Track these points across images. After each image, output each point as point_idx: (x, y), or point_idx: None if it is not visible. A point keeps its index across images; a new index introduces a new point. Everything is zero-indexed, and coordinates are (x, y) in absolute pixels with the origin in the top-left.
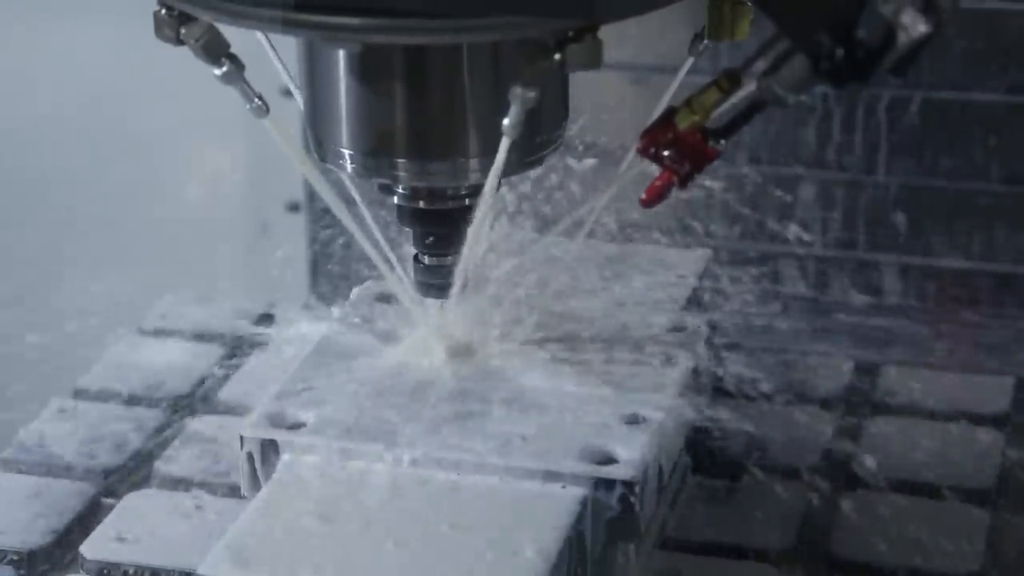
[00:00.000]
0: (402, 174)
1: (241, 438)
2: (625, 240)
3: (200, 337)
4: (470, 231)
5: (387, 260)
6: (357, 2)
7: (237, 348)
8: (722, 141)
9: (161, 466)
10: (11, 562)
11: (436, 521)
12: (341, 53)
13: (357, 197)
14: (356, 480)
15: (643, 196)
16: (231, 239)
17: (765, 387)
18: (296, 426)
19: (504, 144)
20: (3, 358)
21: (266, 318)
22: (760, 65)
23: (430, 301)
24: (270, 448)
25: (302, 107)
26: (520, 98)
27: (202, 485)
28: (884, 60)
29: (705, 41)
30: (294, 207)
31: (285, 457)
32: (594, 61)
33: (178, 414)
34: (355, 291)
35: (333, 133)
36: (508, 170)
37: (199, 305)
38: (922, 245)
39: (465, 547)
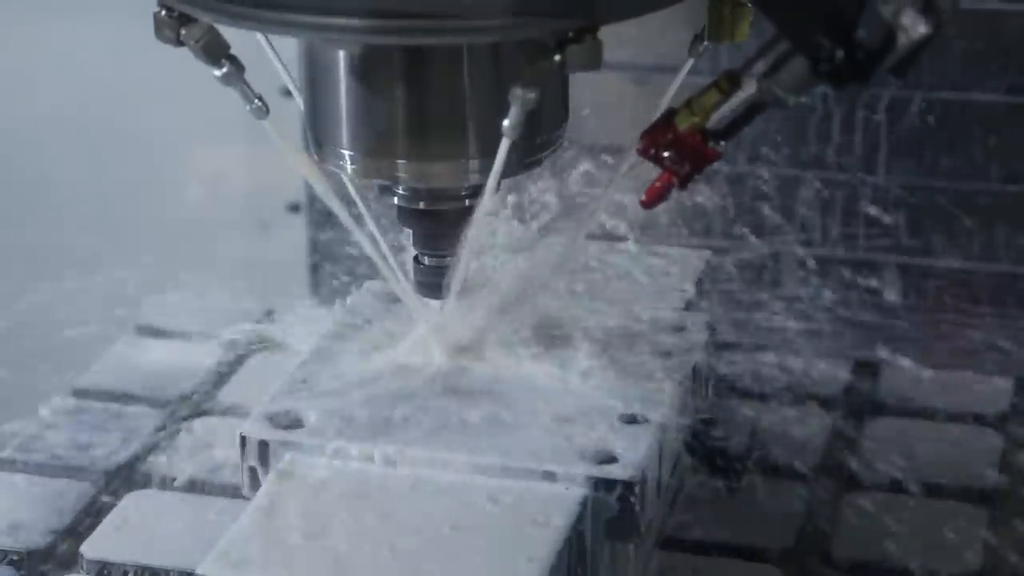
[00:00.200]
0: (402, 175)
1: (241, 438)
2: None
3: (200, 337)
4: (470, 232)
5: (387, 260)
6: (357, 3)
7: (237, 348)
8: (722, 142)
9: (161, 466)
10: (11, 562)
11: (436, 521)
12: (341, 54)
13: (357, 198)
14: (356, 480)
15: (643, 197)
16: (231, 239)
17: (765, 387)
18: (296, 426)
19: (504, 145)
20: (3, 358)
21: (266, 318)
22: (760, 66)
23: (430, 301)
24: (270, 448)
25: (302, 108)
26: (520, 99)
27: (202, 485)
28: (884, 61)
29: (705, 42)
30: (294, 207)
31: (285, 457)
32: (594, 62)
33: (178, 414)
34: (355, 291)
35: (333, 134)
36: (508, 171)
37: (199, 305)
38: (922, 245)
39: (464, 548)
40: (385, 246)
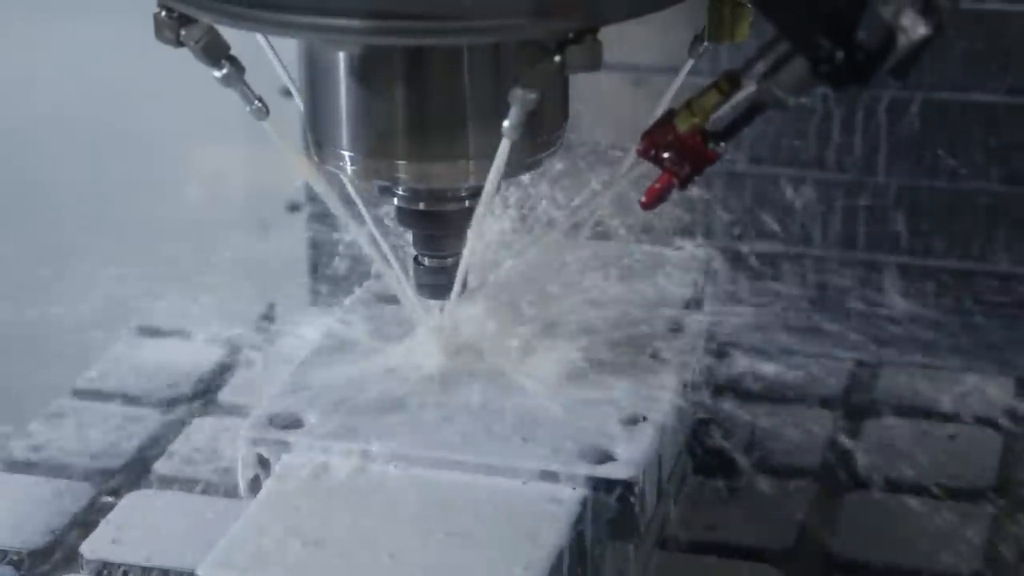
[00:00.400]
0: (402, 176)
1: (241, 438)
2: (626, 240)
3: (200, 337)
4: (470, 233)
5: (387, 260)
6: (357, 4)
7: (237, 348)
8: (722, 143)
9: (161, 466)
10: (11, 562)
11: (435, 521)
12: (341, 55)
13: (357, 198)
14: (355, 480)
15: (643, 198)
16: (231, 239)
17: (765, 387)
18: (295, 426)
19: (504, 146)
20: (3, 358)
21: (266, 318)
22: (760, 67)
23: (430, 301)
24: (270, 448)
25: (302, 109)
26: (520, 100)
27: (202, 485)
28: (884, 62)
29: (705, 43)
30: (294, 207)
31: (284, 457)
32: (594, 63)
33: (178, 414)
34: (355, 291)
35: (333, 135)
36: (508, 172)
37: (199, 305)
38: (922, 245)
39: (464, 548)
40: (386, 246)
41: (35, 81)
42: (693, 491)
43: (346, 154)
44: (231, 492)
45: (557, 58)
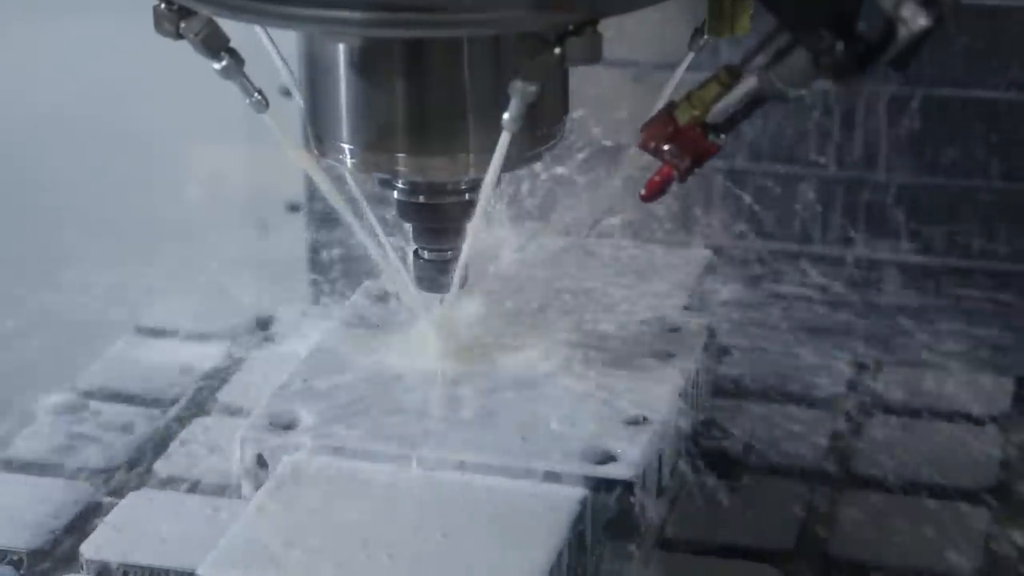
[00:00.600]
0: (402, 169)
1: (241, 438)
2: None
3: (200, 337)
4: (470, 226)
5: (387, 257)
6: None
7: (237, 348)
8: (722, 136)
9: (161, 466)
10: (11, 562)
11: (435, 521)
12: (341, 48)
13: (357, 193)
14: (355, 480)
15: (643, 191)
16: (231, 239)
17: (765, 387)
18: (295, 426)
19: (504, 138)
20: (3, 358)
21: (266, 318)
22: (760, 59)
23: (430, 301)
24: (269, 448)
25: (301, 102)
26: (520, 92)
27: (202, 485)
28: (884, 54)
29: (705, 36)
30: (294, 207)
31: (284, 457)
32: (594, 55)
33: (178, 414)
34: (356, 291)
35: (333, 128)
36: (508, 164)
37: (199, 305)
38: (922, 243)
39: (464, 547)
40: (385, 241)
41: (33, 80)
42: (693, 491)
43: (346, 147)
44: (231, 492)
45: (557, 50)
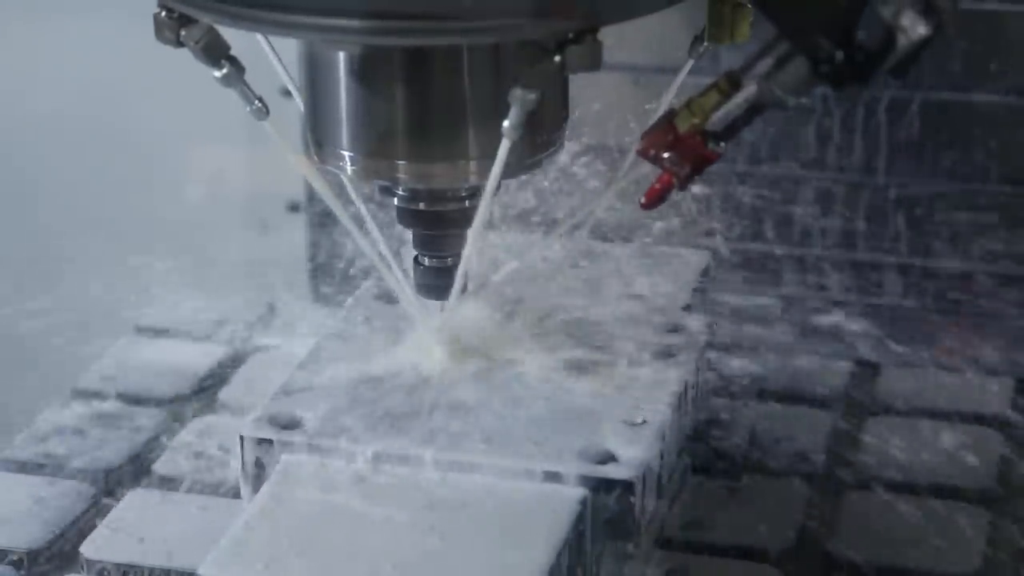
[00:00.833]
0: (402, 176)
1: (241, 438)
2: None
3: (200, 337)
4: (470, 232)
5: (387, 261)
6: (357, 4)
7: (237, 348)
8: (721, 143)
9: (161, 466)
10: (11, 562)
11: (435, 521)
12: (341, 55)
13: (356, 198)
14: (355, 480)
15: (643, 199)
16: (231, 239)
17: (765, 387)
18: (295, 426)
19: (504, 146)
20: (3, 358)
21: (266, 318)
22: (760, 67)
23: (430, 301)
24: (270, 448)
25: (302, 109)
26: (520, 100)
27: (202, 485)
28: (884, 62)
29: (705, 43)
30: (294, 207)
31: (284, 457)
32: (594, 63)
33: (178, 414)
34: (356, 291)
35: (333, 135)
36: (508, 172)
37: (199, 305)
38: (922, 246)
39: (464, 548)
40: (385, 247)
41: (33, 80)
42: (693, 491)
43: (346, 154)
44: (231, 492)
45: (557, 58)
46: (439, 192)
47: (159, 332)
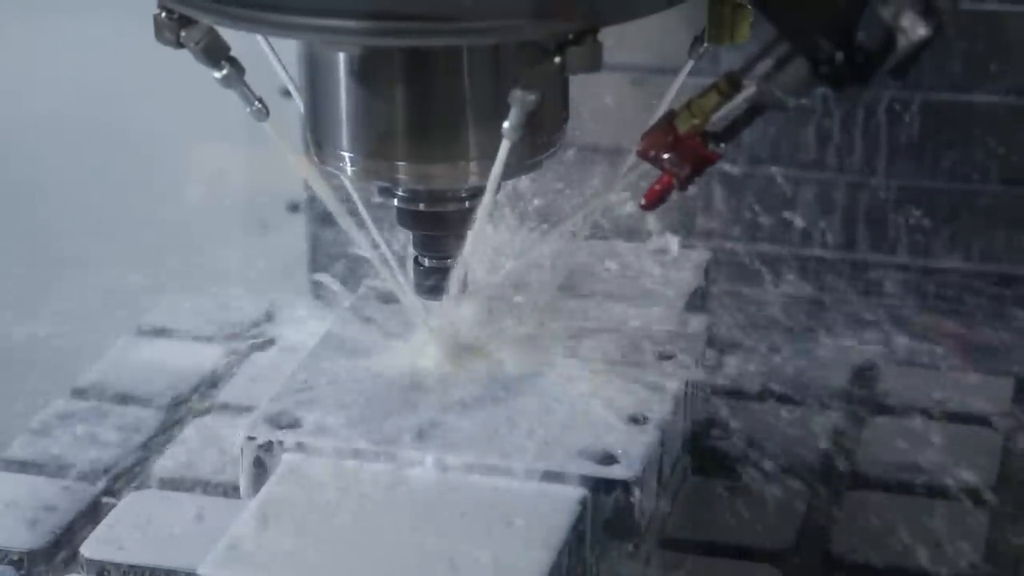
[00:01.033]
0: (402, 177)
1: (241, 438)
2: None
3: (200, 337)
4: (470, 233)
5: (387, 261)
6: (357, 5)
7: (237, 348)
8: (722, 144)
9: (161, 466)
10: (11, 562)
11: (435, 521)
12: (341, 56)
13: (356, 198)
14: (355, 480)
15: (643, 200)
16: (231, 239)
17: (765, 387)
18: (296, 426)
19: (504, 146)
20: (3, 358)
21: (266, 318)
22: (760, 68)
23: (430, 304)
24: (270, 448)
25: (302, 109)
26: (520, 101)
27: (202, 485)
28: (884, 63)
29: (705, 44)
30: (294, 207)
31: (285, 457)
32: (594, 64)
33: (178, 414)
34: (356, 291)
35: (333, 136)
36: (508, 173)
37: (199, 305)
38: (922, 247)
39: (464, 547)
40: (385, 247)
41: (32, 80)
42: (693, 491)
43: (346, 155)
44: (231, 492)
45: (557, 59)
46: (439, 193)
47: (159, 332)
